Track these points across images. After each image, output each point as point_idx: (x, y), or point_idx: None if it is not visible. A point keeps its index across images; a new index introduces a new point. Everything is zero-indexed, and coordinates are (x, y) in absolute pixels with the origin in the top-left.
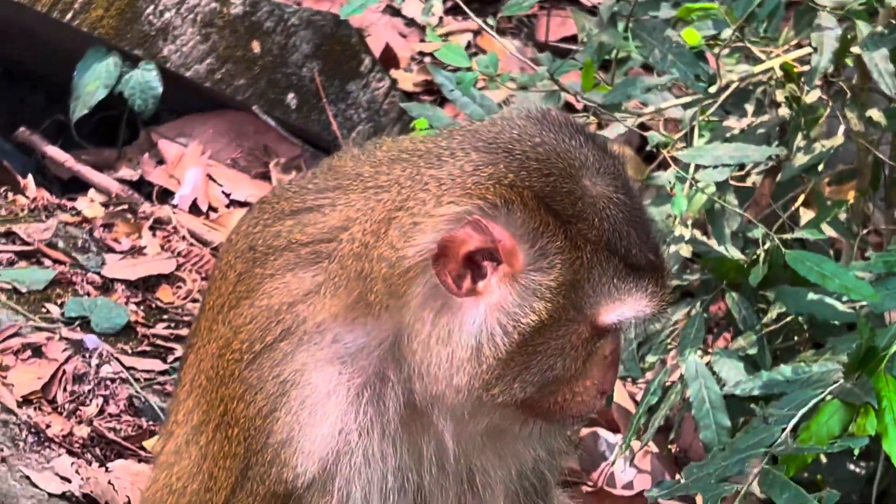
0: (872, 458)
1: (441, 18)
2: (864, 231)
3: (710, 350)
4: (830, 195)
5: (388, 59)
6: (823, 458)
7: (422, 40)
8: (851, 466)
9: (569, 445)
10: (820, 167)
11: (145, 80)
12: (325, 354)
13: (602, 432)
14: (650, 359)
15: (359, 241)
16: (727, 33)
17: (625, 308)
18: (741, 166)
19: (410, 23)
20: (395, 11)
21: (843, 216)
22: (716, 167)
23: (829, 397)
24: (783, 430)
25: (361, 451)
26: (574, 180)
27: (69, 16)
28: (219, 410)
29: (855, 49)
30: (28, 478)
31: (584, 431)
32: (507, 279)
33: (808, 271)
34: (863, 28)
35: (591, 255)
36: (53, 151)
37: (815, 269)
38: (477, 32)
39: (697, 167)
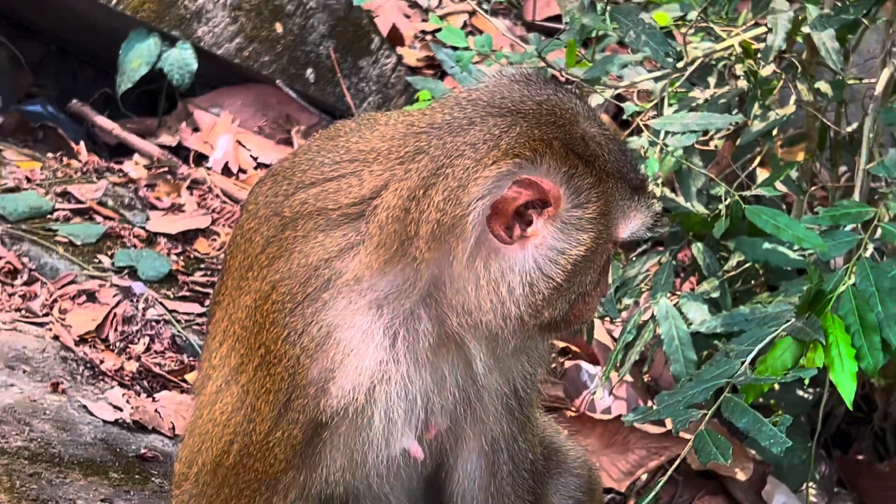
0: (819, 386)
1: (440, 0)
2: (812, 188)
3: (678, 293)
4: (783, 156)
5: (395, 38)
6: (777, 387)
7: (424, 20)
8: (801, 393)
9: (548, 374)
10: (774, 132)
11: (182, 58)
12: (363, 301)
13: (584, 365)
14: (626, 301)
15: (396, 206)
16: (693, 15)
17: (634, 223)
18: (705, 132)
19: (413, 5)
20: None
21: (794, 175)
22: (683, 133)
23: (782, 334)
24: (742, 363)
25: (396, 379)
26: (578, 125)
27: (115, 1)
28: (259, 353)
29: (805, 29)
30: (85, 407)
31: (569, 364)
32: (551, 221)
33: (764, 224)
34: (812, 11)
35: (611, 184)
36: (102, 121)
37: (770, 221)
38: (472, 13)
39: (667, 133)
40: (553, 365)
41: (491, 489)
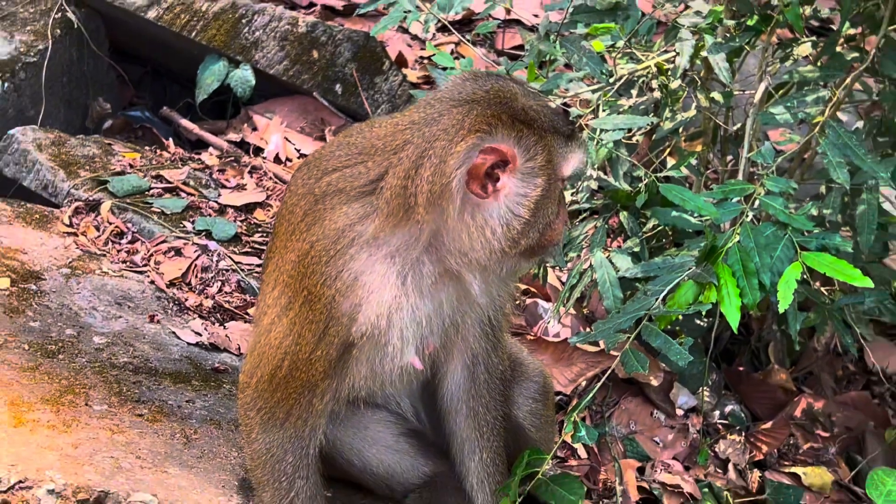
0: (711, 316)
1: (434, 34)
2: (707, 171)
3: (609, 249)
4: (686, 148)
5: (400, 61)
6: (681, 317)
7: (422, 49)
8: (698, 321)
9: (509, 302)
10: (679, 130)
11: (244, 76)
12: (380, 253)
13: (540, 302)
14: (571, 254)
15: (397, 184)
16: (620, 43)
17: (573, 162)
18: (629, 130)
19: (414, 38)
20: (404, 30)
21: (693, 162)
22: (614, 130)
23: (686, 279)
24: (656, 299)
25: (406, 308)
26: (517, 100)
27: (194, 34)
28: (303, 294)
29: (703, 53)
30: (174, 333)
31: (529, 301)
32: (512, 174)
33: (674, 197)
34: (709, 39)
35: (549, 138)
36: (185, 123)
37: (679, 196)
38: (457, 43)
39: (602, 131)
40: (517, 302)
41: (472, 392)
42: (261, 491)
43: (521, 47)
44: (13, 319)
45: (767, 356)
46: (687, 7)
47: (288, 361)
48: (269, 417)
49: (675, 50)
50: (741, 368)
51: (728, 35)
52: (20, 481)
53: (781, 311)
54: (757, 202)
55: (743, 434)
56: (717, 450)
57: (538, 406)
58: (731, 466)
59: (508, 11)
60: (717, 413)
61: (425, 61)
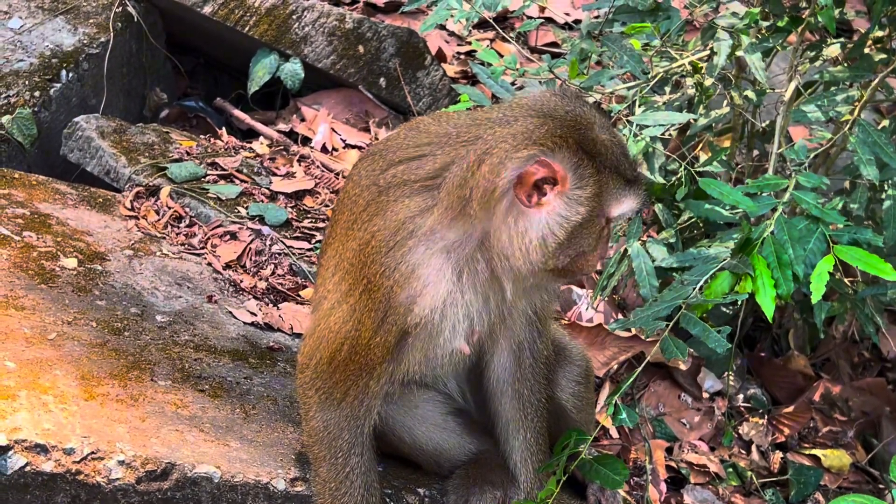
0: (734, 304)
1: (471, 31)
2: (737, 166)
3: (645, 239)
4: (716, 143)
5: (440, 57)
6: (709, 306)
7: (459, 45)
8: (724, 309)
9: (554, 298)
10: (712, 127)
11: (293, 70)
12: (437, 247)
13: (574, 288)
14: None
15: (460, 176)
16: (656, 43)
17: (624, 205)
18: (666, 126)
19: (451, 34)
20: (441, 26)
21: (724, 157)
22: (653, 126)
23: (722, 269)
24: (693, 289)
25: (461, 303)
26: (592, 130)
27: (247, 28)
28: (363, 282)
29: (738, 52)
30: (231, 313)
31: (563, 288)
32: (560, 195)
33: (712, 191)
34: (745, 40)
35: (607, 175)
36: (237, 113)
37: (717, 189)
38: (492, 40)
39: (642, 126)
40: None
41: (517, 375)
42: (318, 466)
43: (553, 44)
44: (81, 298)
45: (787, 343)
46: (718, 8)
47: (347, 346)
48: (327, 397)
49: (711, 49)
50: (762, 354)
51: (760, 36)
52: (92, 452)
53: (815, 301)
54: (789, 196)
55: (765, 417)
56: (740, 432)
57: (581, 388)
58: (753, 448)
59: (542, 10)
60: (740, 396)
61: (463, 56)
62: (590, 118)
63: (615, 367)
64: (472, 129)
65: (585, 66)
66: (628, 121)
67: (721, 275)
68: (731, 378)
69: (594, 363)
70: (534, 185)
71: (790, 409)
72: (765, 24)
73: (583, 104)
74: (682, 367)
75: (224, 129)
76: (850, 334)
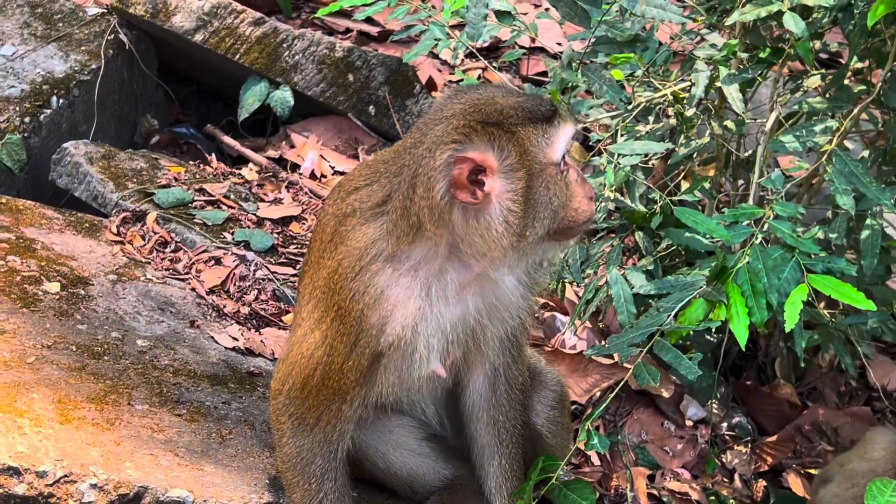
0: (721, 332)
1: (462, 60)
2: (720, 195)
3: (624, 266)
4: (699, 173)
5: (430, 85)
6: (691, 333)
7: (451, 74)
8: (708, 337)
9: (528, 322)
10: (694, 156)
11: (283, 97)
12: (404, 267)
13: (558, 315)
14: (588, 271)
15: (401, 206)
16: (639, 73)
17: (557, 144)
18: (646, 155)
19: (444, 63)
20: (433, 55)
21: (707, 186)
22: (631, 155)
23: (697, 296)
24: (668, 316)
25: (431, 317)
26: (492, 104)
27: (237, 56)
28: (334, 309)
29: (717, 83)
30: (212, 337)
31: (547, 315)
32: (495, 176)
33: (687, 220)
34: (723, 71)
35: (523, 132)
36: (227, 139)
37: (691, 218)
38: (484, 69)
39: (620, 155)
40: (536, 315)
41: (492, 401)
42: (291, 492)
43: (544, 73)
44: (62, 322)
45: (774, 371)
46: (703, 40)
47: (320, 371)
48: (300, 423)
49: (690, 80)
50: (749, 382)
51: (742, 66)
52: (65, 475)
53: (787, 330)
54: (766, 225)
55: (749, 445)
56: (723, 460)
57: (555, 414)
58: (736, 476)
59: (533, 39)
60: (724, 424)
61: (454, 85)
62: (487, 96)
63: (598, 394)
64: (397, 160)
65: (572, 95)
66: (607, 150)
67: (696, 302)
68: (715, 406)
69: (577, 389)
70: (471, 182)
71: (773, 438)
72: (743, 55)
73: (475, 89)
74: (665, 394)
75: (214, 155)
76: (837, 363)
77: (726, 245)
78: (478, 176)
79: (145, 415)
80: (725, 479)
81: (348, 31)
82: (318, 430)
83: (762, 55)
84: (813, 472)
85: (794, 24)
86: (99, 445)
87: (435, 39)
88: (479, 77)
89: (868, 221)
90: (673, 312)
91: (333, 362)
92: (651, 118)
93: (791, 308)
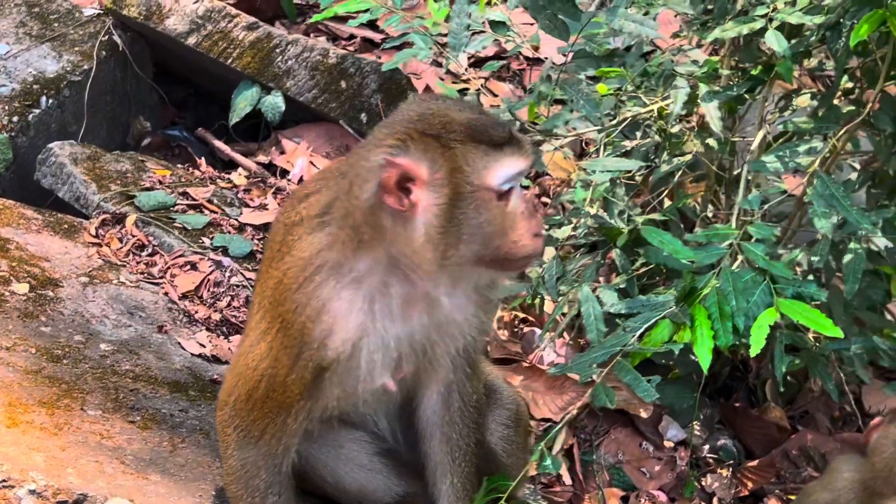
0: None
1: (466, 69)
2: (711, 213)
3: (598, 284)
4: (692, 190)
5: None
6: (676, 353)
7: (454, 82)
8: (693, 357)
9: (483, 338)
10: (679, 173)
11: (275, 102)
12: (346, 279)
13: (537, 331)
14: (563, 288)
15: (342, 208)
16: (628, 87)
17: (498, 171)
18: (629, 171)
19: (448, 72)
20: (438, 64)
21: (697, 202)
22: (603, 172)
23: (664, 317)
24: (633, 336)
25: (374, 333)
26: (440, 116)
27: (230, 60)
28: (279, 321)
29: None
30: (179, 343)
31: (527, 329)
32: (423, 186)
33: (653, 239)
34: (703, 88)
35: (459, 149)
36: (218, 143)
37: (657, 237)
38: (487, 79)
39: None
40: (515, 330)
41: (446, 418)
42: None
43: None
44: (25, 324)
45: (765, 393)
46: (684, 55)
47: (265, 383)
48: (245, 435)
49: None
50: (737, 405)
51: (730, 83)
52: (4, 480)
53: (753, 354)
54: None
55: (730, 469)
56: (703, 483)
57: (510, 432)
58: (715, 500)
59: (536, 49)
60: (706, 447)
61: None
62: (438, 108)
63: (574, 412)
64: (342, 166)
65: (565, 107)
66: (579, 166)
67: (662, 323)
68: (698, 427)
69: (552, 407)
70: (399, 189)
71: (755, 462)
72: (726, 72)
73: (429, 100)
74: (643, 414)
75: (203, 158)
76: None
77: (710, 266)
78: (407, 184)
79: (97, 420)
80: (703, 503)
81: (352, 37)
82: (262, 443)
83: (754, 72)
84: (794, 497)
85: (776, 42)
86: (44, 451)
87: (418, 49)
88: (480, 88)
89: (852, 245)
90: (638, 333)
91: (277, 375)
92: (639, 134)
93: (757, 332)
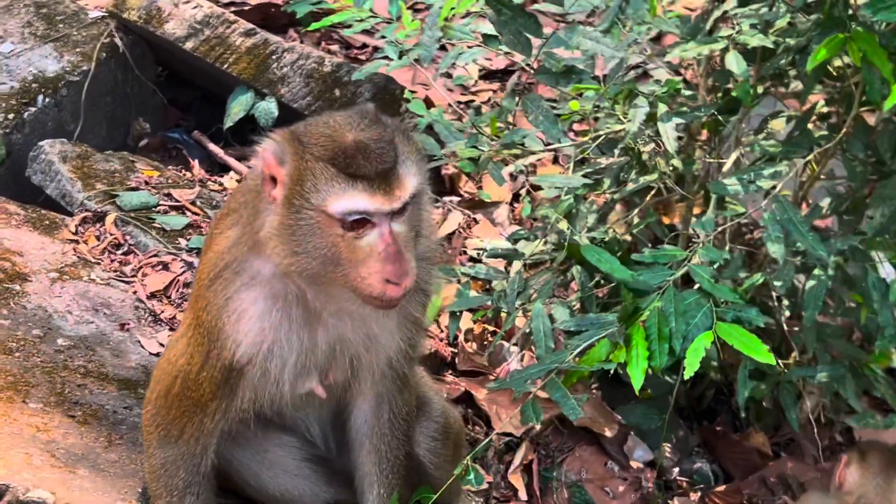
0: (675, 373)
1: (476, 81)
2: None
3: (554, 300)
4: (680, 209)
5: (428, 104)
6: (650, 372)
7: (462, 94)
8: (667, 378)
9: (415, 351)
10: (650, 193)
11: (268, 108)
12: (248, 280)
13: (506, 344)
14: (521, 303)
15: (247, 200)
16: (606, 104)
17: (346, 202)
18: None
19: (458, 84)
20: (448, 75)
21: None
22: (550, 188)
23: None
24: (571, 353)
25: (274, 339)
26: (330, 128)
27: (226, 65)
28: (195, 316)
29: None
30: (139, 342)
31: (498, 344)
32: (281, 185)
33: (592, 258)
34: (661, 107)
35: (311, 163)
36: (213, 147)
37: (595, 256)
38: (494, 91)
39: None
40: (484, 342)
41: (375, 429)
42: (154, 502)
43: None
44: None
45: (748, 418)
46: (647, 75)
47: (180, 380)
48: (166, 434)
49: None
50: (718, 428)
51: (705, 104)
52: None
53: (687, 376)
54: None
55: (699, 493)
56: None
57: (437, 445)
58: None
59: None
60: (676, 469)
61: (462, 106)
62: (335, 121)
63: (537, 427)
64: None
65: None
66: (529, 180)
67: (602, 342)
68: (668, 449)
69: (515, 421)
70: (271, 181)
71: (723, 487)
72: (688, 93)
73: (361, 111)
74: (608, 433)
75: (197, 161)
76: (818, 416)
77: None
78: (274, 178)
79: (36, 413)
80: None
81: (364, 46)
82: (181, 443)
83: (734, 93)
84: None
85: (735, 64)
86: None
87: (383, 58)
88: (489, 100)
89: (816, 272)
90: (577, 350)
91: (191, 372)
92: (617, 151)
93: (692, 355)
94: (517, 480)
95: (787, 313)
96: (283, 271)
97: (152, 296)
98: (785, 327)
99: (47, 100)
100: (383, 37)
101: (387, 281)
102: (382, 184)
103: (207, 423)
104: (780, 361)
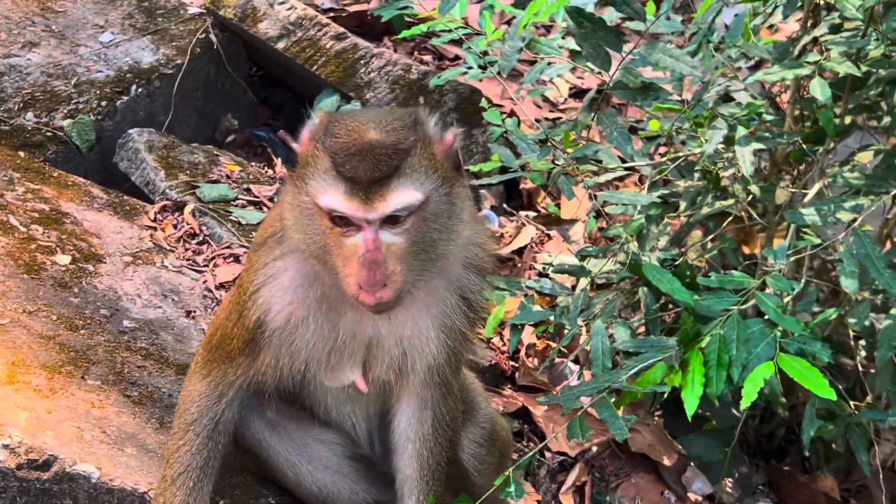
0: (746, 407)
1: (566, 99)
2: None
3: (616, 319)
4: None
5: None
6: (717, 404)
7: (550, 111)
8: (734, 412)
9: (463, 352)
10: (728, 218)
11: None
12: (287, 250)
13: (569, 363)
14: (580, 320)
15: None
16: (686, 125)
17: (329, 199)
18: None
19: (545, 100)
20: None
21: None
22: (617, 204)
23: (661, 360)
24: (625, 375)
25: (297, 311)
26: (360, 124)
27: (315, 67)
28: (241, 277)
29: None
30: (203, 330)
31: (558, 360)
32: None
33: (654, 279)
34: (741, 130)
35: (319, 151)
36: (295, 146)
37: (657, 276)
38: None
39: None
40: (545, 359)
41: (419, 434)
42: (170, 434)
43: (640, 120)
44: (56, 293)
45: (819, 461)
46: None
47: (220, 332)
48: (199, 370)
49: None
50: (786, 468)
51: (789, 132)
52: None
53: (743, 406)
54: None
55: None
56: None
57: (482, 451)
58: None
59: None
60: None
61: (548, 123)
62: (367, 115)
63: (594, 449)
64: None
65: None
66: (594, 196)
67: (658, 365)
68: (730, 484)
69: (571, 442)
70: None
71: None
72: (770, 118)
73: (406, 110)
74: (666, 462)
75: (280, 160)
76: (892, 463)
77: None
78: None
79: (92, 390)
80: None
81: (457, 57)
82: (206, 383)
83: (807, 123)
84: None
85: (819, 90)
86: (30, 410)
87: (467, 68)
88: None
89: (893, 311)
90: (632, 371)
91: (227, 326)
92: (696, 175)
93: (751, 385)
94: (568, 500)
95: (864, 353)
96: (296, 243)
97: (221, 286)
98: (860, 368)
99: (140, 90)
100: (469, 47)
101: (359, 287)
102: (364, 191)
103: (230, 375)
104: (852, 403)
